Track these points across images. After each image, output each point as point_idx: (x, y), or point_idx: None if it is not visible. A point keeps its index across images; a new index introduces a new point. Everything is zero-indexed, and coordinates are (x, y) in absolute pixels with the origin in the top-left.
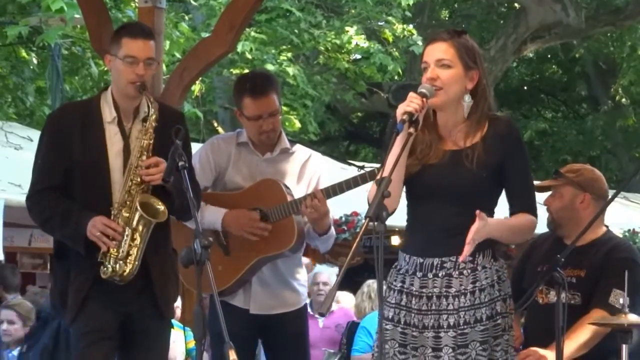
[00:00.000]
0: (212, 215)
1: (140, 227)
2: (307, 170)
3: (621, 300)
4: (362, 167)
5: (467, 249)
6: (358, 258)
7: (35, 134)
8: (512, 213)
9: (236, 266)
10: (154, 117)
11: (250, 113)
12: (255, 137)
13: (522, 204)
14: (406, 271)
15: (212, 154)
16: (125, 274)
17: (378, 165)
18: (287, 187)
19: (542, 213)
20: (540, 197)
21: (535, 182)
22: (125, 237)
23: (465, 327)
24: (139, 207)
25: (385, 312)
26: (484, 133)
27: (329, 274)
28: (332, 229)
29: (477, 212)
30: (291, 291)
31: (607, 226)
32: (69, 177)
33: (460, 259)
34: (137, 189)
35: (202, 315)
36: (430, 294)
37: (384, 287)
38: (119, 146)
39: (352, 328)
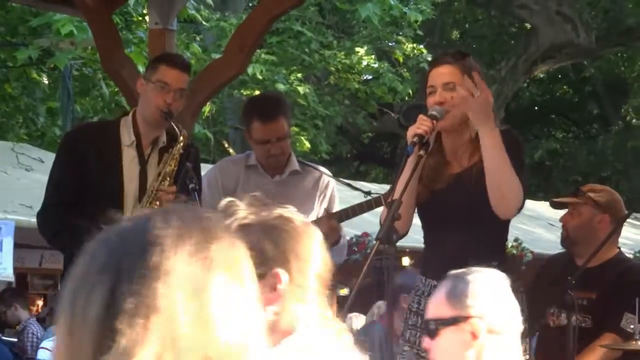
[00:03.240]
0: None
1: None
2: (317, 191)
3: (632, 325)
4: (368, 193)
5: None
6: (368, 279)
7: (46, 155)
8: None
9: None
10: (181, 144)
11: (258, 137)
12: (263, 160)
13: None
14: (422, 293)
15: (220, 176)
16: None
17: (387, 188)
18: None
19: (554, 233)
20: (552, 218)
21: (546, 202)
22: None
23: None
24: None
25: (405, 333)
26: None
27: None
28: (343, 239)
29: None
30: None
31: (619, 248)
32: (81, 196)
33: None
34: None
35: None
36: None
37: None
38: (135, 171)
39: None
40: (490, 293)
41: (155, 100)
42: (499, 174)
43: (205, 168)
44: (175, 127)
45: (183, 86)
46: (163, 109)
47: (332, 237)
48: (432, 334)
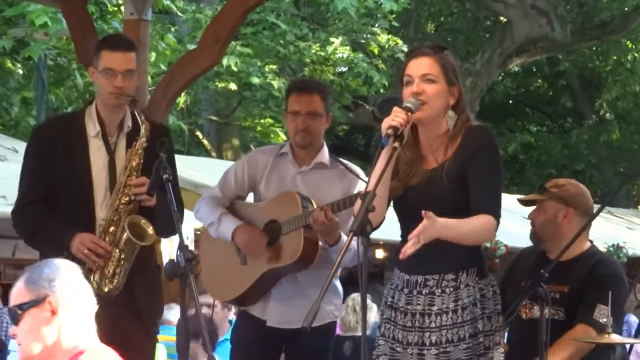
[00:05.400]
0: (225, 228)
1: (128, 247)
2: (341, 187)
3: (604, 317)
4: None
5: (408, 246)
6: (342, 271)
7: (20, 145)
8: (473, 213)
9: (248, 276)
10: (144, 138)
11: (290, 108)
12: (292, 138)
13: (482, 203)
14: (396, 286)
15: (247, 166)
16: (109, 291)
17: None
18: (306, 199)
19: (527, 227)
20: (525, 211)
21: (519, 196)
22: (112, 257)
23: (447, 345)
24: (127, 228)
25: (381, 327)
26: (457, 145)
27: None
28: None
29: (423, 212)
30: None
31: (591, 241)
32: (53, 191)
33: (400, 256)
34: (125, 208)
35: (185, 328)
36: (414, 311)
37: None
38: (104, 161)
39: (337, 342)
40: (62, 276)
41: (106, 87)
42: (470, 240)
43: (178, 159)
44: (137, 116)
45: (130, 66)
46: (114, 93)
47: (334, 236)
48: (16, 320)
